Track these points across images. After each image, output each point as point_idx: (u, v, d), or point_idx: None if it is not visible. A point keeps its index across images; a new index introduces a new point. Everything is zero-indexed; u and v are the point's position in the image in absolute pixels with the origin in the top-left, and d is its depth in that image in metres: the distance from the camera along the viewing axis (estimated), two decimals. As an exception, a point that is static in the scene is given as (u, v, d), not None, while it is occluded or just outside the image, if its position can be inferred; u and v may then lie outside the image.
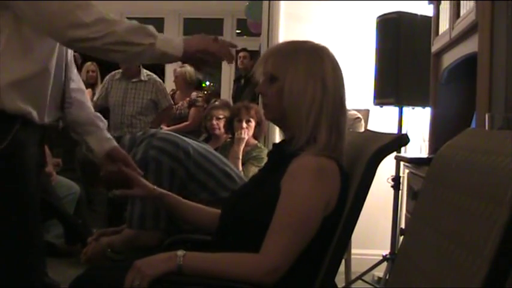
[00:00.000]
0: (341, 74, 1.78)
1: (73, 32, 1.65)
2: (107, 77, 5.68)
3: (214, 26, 9.55)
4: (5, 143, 1.65)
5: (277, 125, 1.84)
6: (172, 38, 1.88)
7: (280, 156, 1.78)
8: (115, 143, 2.22)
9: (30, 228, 1.72)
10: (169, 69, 9.32)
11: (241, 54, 7.37)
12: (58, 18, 1.64)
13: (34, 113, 1.75)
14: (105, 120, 2.26)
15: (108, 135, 2.22)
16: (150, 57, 1.81)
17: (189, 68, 5.97)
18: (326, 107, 1.70)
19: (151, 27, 1.80)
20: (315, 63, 1.74)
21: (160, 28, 9.39)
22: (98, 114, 2.27)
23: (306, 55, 1.75)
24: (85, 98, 2.20)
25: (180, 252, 1.59)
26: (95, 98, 5.60)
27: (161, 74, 7.59)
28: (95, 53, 1.78)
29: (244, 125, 4.06)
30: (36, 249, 1.76)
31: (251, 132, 4.12)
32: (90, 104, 2.23)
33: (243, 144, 4.04)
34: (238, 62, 7.38)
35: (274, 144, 1.92)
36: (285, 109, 1.72)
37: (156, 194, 2.08)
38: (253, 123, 4.11)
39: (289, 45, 1.81)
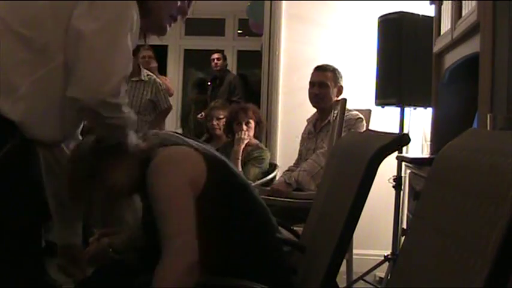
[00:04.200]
0: None
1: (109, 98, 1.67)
2: None
3: (215, 26, 9.56)
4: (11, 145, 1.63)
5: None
6: None
7: None
8: None
9: (29, 228, 1.70)
10: (171, 69, 9.33)
11: (214, 55, 7.62)
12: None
13: None
14: None
15: None
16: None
17: None
18: None
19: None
20: None
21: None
22: None
23: None
24: None
25: None
26: None
27: (163, 74, 7.60)
28: (99, 123, 1.77)
29: (244, 127, 4.10)
30: (35, 250, 1.74)
31: (252, 132, 4.15)
32: None
33: (243, 145, 4.07)
34: (212, 63, 7.63)
35: None
36: None
37: None
38: (252, 124, 4.15)
39: None
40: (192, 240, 1.65)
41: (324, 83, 3.87)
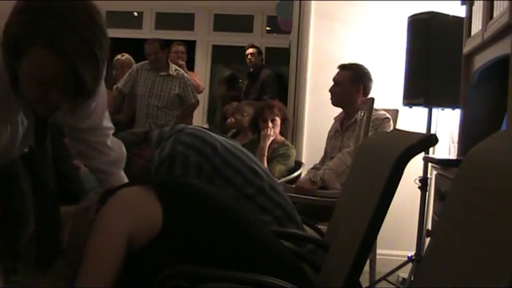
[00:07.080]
0: None
1: None
2: (135, 65, 5.74)
3: (244, 22, 9.58)
4: None
5: None
6: None
7: None
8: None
9: None
10: (199, 65, 9.36)
11: (248, 50, 7.29)
12: None
13: None
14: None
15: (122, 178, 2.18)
16: None
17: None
18: None
19: None
20: None
21: (190, 24, 9.44)
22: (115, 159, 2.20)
23: None
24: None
25: None
26: (119, 85, 5.64)
27: (191, 70, 7.63)
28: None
29: (270, 124, 4.11)
30: None
31: (277, 129, 4.16)
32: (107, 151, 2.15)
33: (269, 142, 4.08)
34: (247, 59, 7.31)
35: None
36: None
37: None
38: (278, 121, 4.16)
39: None
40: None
41: (339, 82, 3.87)
